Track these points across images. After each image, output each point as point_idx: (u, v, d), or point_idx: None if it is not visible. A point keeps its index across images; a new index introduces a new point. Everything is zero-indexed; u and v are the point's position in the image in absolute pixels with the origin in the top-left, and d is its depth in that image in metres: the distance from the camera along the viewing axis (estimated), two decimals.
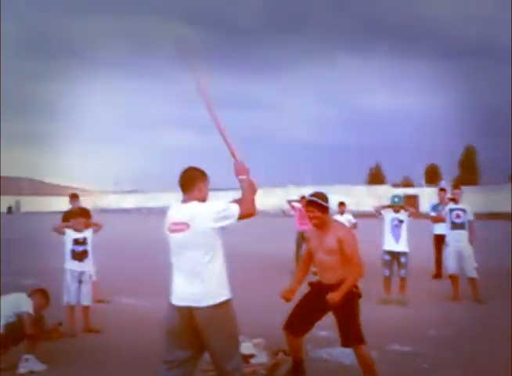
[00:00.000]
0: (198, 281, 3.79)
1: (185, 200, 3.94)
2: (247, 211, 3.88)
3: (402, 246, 9.10)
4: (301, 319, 5.04)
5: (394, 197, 9.37)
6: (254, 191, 4.00)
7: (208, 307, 3.76)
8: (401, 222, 9.16)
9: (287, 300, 5.06)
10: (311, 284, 5.21)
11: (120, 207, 74.50)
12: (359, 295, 4.97)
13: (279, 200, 50.88)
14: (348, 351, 5.15)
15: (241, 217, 3.86)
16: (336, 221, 5.32)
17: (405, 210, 9.26)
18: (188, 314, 3.80)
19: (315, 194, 5.05)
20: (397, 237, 9.12)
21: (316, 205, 4.92)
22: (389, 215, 9.25)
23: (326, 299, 4.79)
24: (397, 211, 9.19)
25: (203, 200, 3.93)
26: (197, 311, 3.76)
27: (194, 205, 3.86)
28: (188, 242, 3.81)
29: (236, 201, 3.97)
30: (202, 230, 3.78)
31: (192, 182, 3.94)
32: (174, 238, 3.88)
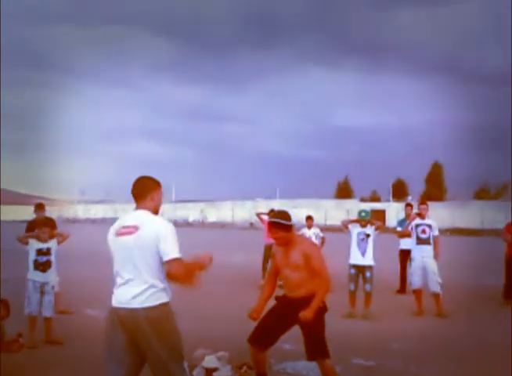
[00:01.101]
0: (141, 283, 3.74)
1: (136, 209, 3.97)
2: (180, 276, 3.75)
3: (367, 260, 9.15)
4: (266, 333, 5.03)
5: (361, 211, 9.45)
6: (201, 267, 3.91)
7: (149, 308, 3.71)
8: (367, 236, 9.22)
9: (254, 319, 5.06)
10: (277, 298, 5.20)
11: (87, 217, 73.63)
12: (325, 309, 4.98)
13: (248, 213, 50.92)
14: (313, 364, 5.14)
15: (171, 273, 3.74)
16: (300, 236, 5.34)
17: (372, 224, 9.33)
18: (129, 317, 3.73)
19: (276, 214, 5.07)
20: (363, 251, 9.17)
21: (279, 225, 4.93)
22: (356, 229, 9.31)
23: (292, 313, 4.80)
24: (364, 226, 9.25)
25: (155, 209, 3.97)
26: (137, 312, 3.71)
27: (146, 213, 3.89)
28: (135, 245, 3.77)
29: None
30: (149, 236, 3.76)
31: (144, 191, 3.97)
32: (121, 241, 3.84)
